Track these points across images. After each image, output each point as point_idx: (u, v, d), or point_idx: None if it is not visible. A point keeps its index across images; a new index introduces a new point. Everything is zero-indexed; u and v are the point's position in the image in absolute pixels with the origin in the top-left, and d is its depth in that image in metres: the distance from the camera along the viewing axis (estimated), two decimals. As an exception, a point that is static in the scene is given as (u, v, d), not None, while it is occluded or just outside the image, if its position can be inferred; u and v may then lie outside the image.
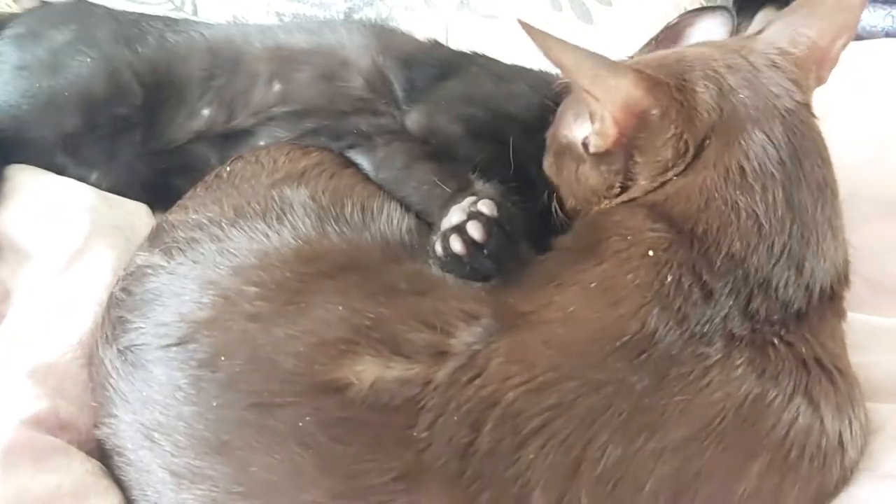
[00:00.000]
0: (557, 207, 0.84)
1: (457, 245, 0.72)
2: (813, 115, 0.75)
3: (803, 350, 0.67)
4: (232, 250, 0.73)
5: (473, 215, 0.73)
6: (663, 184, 0.73)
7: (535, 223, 0.84)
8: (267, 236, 0.75)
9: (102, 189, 1.03)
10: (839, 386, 0.68)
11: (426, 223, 0.85)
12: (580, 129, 0.80)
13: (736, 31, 1.04)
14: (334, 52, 1.02)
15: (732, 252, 0.68)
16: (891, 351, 0.85)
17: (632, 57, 0.95)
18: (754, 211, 0.68)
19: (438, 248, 0.74)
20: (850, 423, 0.68)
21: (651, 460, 0.60)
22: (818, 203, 0.70)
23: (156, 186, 1.06)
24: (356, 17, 1.15)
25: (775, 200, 0.69)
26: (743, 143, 0.70)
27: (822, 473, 0.65)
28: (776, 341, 0.66)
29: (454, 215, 0.75)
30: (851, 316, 0.88)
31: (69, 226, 0.92)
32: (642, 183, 0.75)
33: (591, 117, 0.75)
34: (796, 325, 0.68)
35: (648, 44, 1.06)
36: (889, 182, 1.03)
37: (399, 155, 0.91)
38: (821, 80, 0.79)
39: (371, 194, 0.85)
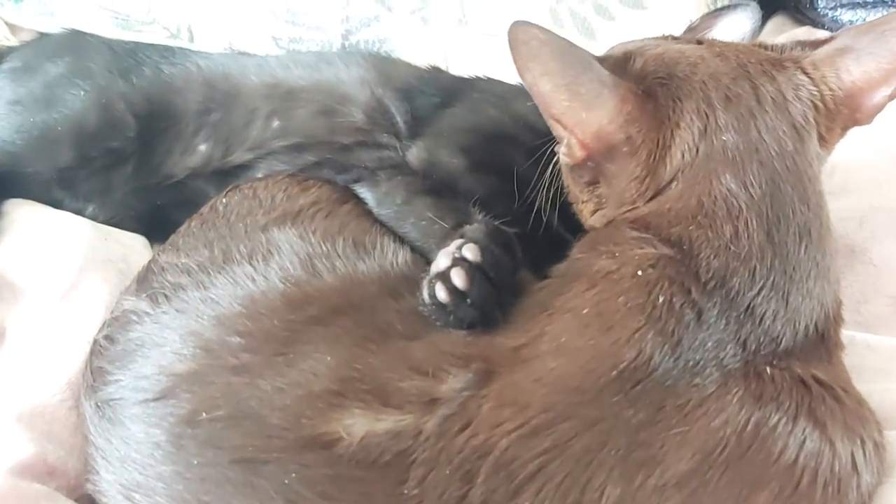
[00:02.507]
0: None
1: (441, 293, 0.69)
2: (808, 162, 0.71)
3: (800, 371, 0.65)
4: (217, 299, 0.71)
5: (457, 262, 0.71)
6: (633, 208, 0.72)
7: (542, 250, 0.81)
8: (254, 280, 0.72)
9: (99, 222, 1.02)
10: (845, 403, 0.65)
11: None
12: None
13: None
14: (333, 88, 1.00)
15: (714, 271, 0.65)
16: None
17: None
18: (728, 235, 0.67)
19: (426, 295, 0.71)
20: (863, 443, 0.64)
21: (653, 498, 0.58)
22: (801, 243, 0.68)
23: (153, 220, 1.05)
24: (353, 38, 1.12)
25: (750, 230, 0.67)
26: (712, 183, 0.68)
27: (839, 500, 0.61)
28: (769, 369, 0.64)
29: (441, 260, 0.72)
30: (874, 339, 0.85)
31: (62, 261, 0.91)
32: (612, 205, 0.74)
33: (559, 138, 0.74)
34: (787, 356, 0.65)
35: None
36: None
37: (399, 190, 0.88)
38: (858, 123, 0.76)
39: (365, 231, 0.82)
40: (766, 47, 0.80)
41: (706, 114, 0.71)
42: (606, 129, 0.71)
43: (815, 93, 0.73)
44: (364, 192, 0.90)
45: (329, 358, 0.64)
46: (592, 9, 1.08)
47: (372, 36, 1.12)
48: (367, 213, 0.87)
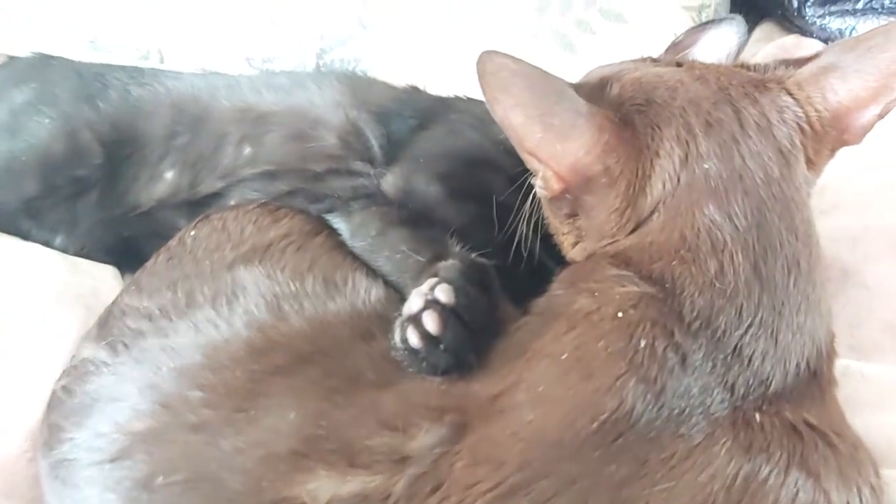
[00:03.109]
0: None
1: (413, 338, 0.66)
2: (796, 188, 0.68)
3: (790, 416, 0.61)
4: (178, 348, 0.68)
5: (430, 304, 0.67)
6: (613, 242, 0.69)
7: (524, 280, 0.78)
8: (216, 327, 0.69)
9: (69, 253, 0.99)
10: (838, 448, 0.61)
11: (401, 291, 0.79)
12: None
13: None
14: (305, 112, 0.97)
15: (698, 310, 0.62)
16: (915, 409, 0.77)
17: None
18: (713, 271, 0.63)
19: (397, 338, 0.68)
20: (859, 490, 0.61)
21: (638, 559, 0.54)
22: (790, 276, 0.64)
23: (123, 251, 1.01)
24: (328, 57, 1.09)
25: (736, 265, 0.63)
26: (695, 215, 0.65)
27: None
28: (758, 416, 0.60)
29: (413, 301, 0.68)
30: (868, 368, 0.81)
31: (29, 297, 0.88)
32: (592, 238, 0.71)
33: (534, 171, 0.70)
34: (777, 399, 0.62)
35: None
36: (905, 212, 0.94)
37: (373, 221, 0.85)
38: (847, 143, 0.73)
39: (337, 266, 0.79)
40: (748, 67, 0.77)
41: (687, 141, 0.67)
42: (583, 161, 0.68)
43: (801, 115, 0.70)
44: (338, 222, 0.87)
45: (293, 414, 0.60)
46: (573, 23, 1.04)
47: (348, 55, 1.09)
48: (341, 246, 0.84)
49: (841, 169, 0.77)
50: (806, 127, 0.70)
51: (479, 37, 1.06)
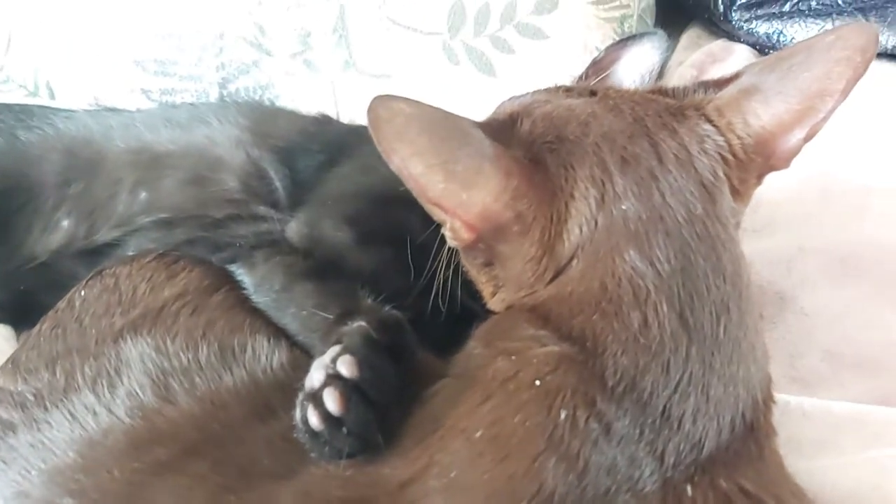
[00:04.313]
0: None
1: (313, 419, 0.59)
2: (722, 224, 0.63)
3: (724, 485, 0.56)
4: (50, 444, 0.60)
5: (331, 379, 0.60)
6: (532, 293, 0.63)
7: (448, 328, 0.72)
8: (95, 415, 0.62)
9: (-37, 310, 0.91)
10: None
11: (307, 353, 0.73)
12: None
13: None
14: (205, 152, 0.90)
15: (622, 371, 0.56)
16: (860, 447, 0.72)
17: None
18: (636, 325, 0.58)
19: (298, 418, 0.61)
20: None
21: None
22: (720, 323, 0.59)
23: (19, 307, 0.94)
24: (232, 86, 1.02)
25: (661, 316, 0.58)
26: (615, 261, 0.60)
27: None
28: (690, 488, 0.55)
29: (314, 375, 0.61)
30: (810, 403, 0.77)
31: None
32: (510, 289, 0.65)
33: (440, 222, 0.64)
34: (711, 465, 0.56)
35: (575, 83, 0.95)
36: (837, 232, 0.90)
37: (277, 274, 0.78)
38: (774, 168, 0.68)
39: (235, 328, 0.72)
40: (666, 92, 0.72)
41: (602, 181, 0.62)
42: (492, 208, 0.62)
43: (723, 143, 0.65)
44: (241, 274, 0.80)
45: (174, 525, 0.54)
46: (489, 42, 0.98)
47: (252, 83, 1.02)
48: (243, 302, 0.77)
49: (775, 185, 0.72)
50: (729, 156, 0.65)
51: (391, 61, 0.99)
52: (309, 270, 0.78)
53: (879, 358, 0.82)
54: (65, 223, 0.92)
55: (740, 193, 0.67)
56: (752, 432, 0.60)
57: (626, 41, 0.95)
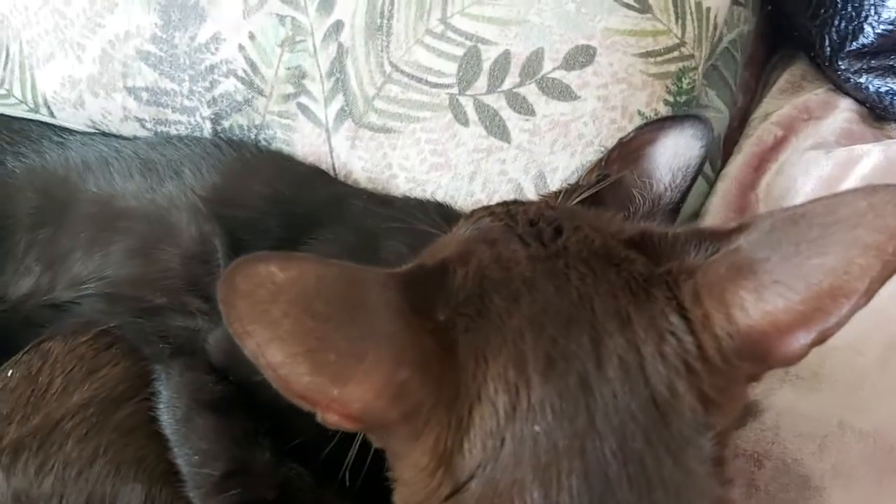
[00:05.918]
0: None
1: None
2: (675, 461, 0.47)
3: None
4: None
5: None
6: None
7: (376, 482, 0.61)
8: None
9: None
10: None
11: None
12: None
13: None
14: (162, 217, 0.80)
15: None
16: None
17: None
18: None
19: None
20: None
21: None
22: None
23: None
24: (226, 122, 0.91)
25: None
26: (513, 500, 0.46)
27: None
28: None
29: None
30: None
31: None
32: (407, 494, 0.52)
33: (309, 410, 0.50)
34: None
35: (596, 165, 0.79)
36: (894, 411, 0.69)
37: (183, 398, 0.68)
38: (774, 367, 0.52)
39: (119, 467, 0.63)
40: (647, 244, 0.55)
41: (516, 386, 0.48)
42: (374, 406, 0.49)
43: (691, 346, 0.49)
44: (158, 382, 0.71)
45: None
46: (504, 100, 0.82)
47: (246, 121, 0.91)
48: (147, 423, 0.68)
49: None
50: (697, 364, 0.49)
51: (390, 112, 0.85)
52: (215, 401, 0.67)
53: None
54: (36, 268, 0.86)
55: (719, 405, 0.50)
56: None
57: (662, 122, 0.78)
